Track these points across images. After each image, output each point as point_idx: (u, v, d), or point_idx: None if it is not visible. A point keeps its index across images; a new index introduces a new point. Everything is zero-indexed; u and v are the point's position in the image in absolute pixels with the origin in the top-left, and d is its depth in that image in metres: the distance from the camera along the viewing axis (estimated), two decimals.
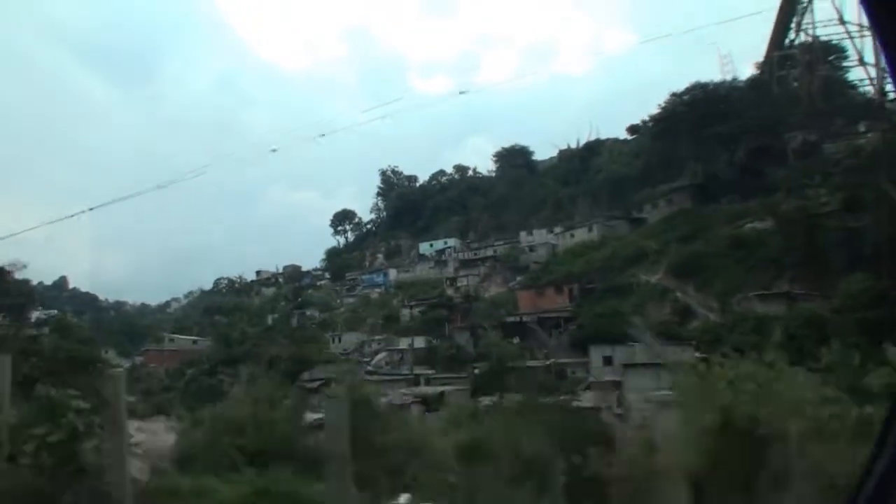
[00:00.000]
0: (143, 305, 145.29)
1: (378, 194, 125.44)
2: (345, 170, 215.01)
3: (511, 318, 67.66)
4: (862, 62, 69.40)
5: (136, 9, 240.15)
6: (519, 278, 79.41)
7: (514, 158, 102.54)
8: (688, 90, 75.40)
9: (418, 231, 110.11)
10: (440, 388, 48.06)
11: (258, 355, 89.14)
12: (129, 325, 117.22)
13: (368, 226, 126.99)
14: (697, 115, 72.15)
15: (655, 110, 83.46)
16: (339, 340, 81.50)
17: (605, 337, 53.06)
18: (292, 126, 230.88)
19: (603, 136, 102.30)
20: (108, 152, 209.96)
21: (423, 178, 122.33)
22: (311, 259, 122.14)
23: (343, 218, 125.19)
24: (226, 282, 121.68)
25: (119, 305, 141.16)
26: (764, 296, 53.74)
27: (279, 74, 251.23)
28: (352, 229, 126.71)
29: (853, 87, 79.05)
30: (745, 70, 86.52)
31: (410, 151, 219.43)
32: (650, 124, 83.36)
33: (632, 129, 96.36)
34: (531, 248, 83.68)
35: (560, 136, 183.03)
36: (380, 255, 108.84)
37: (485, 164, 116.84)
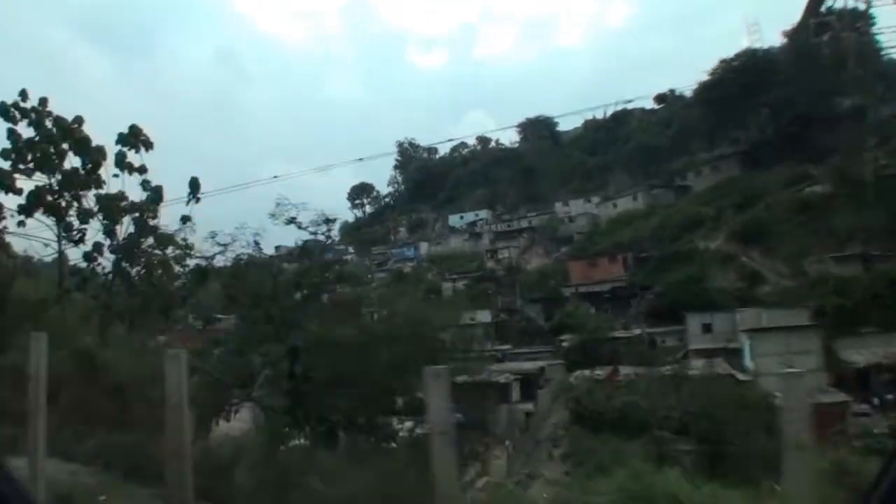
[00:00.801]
0: None
1: (395, 167, 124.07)
2: (342, 144, 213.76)
3: (570, 289, 67.71)
4: None
5: None
6: (563, 249, 79.13)
7: (538, 129, 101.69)
8: (738, 56, 75.14)
9: (441, 204, 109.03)
10: (537, 364, 47.72)
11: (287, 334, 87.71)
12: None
13: (387, 199, 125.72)
14: (746, 81, 72.03)
15: (663, 82, 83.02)
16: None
17: (688, 305, 53.17)
18: (291, 100, 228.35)
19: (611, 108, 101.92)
20: (104, 126, 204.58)
21: (441, 149, 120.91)
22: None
23: (361, 191, 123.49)
24: (245, 257, 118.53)
25: None
26: (838, 258, 54.33)
27: (278, 48, 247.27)
28: (370, 203, 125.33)
29: (882, 52, 79.31)
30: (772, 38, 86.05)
31: (409, 124, 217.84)
32: (699, 90, 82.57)
33: (659, 99, 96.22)
34: (571, 219, 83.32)
35: (561, 110, 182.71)
36: (402, 229, 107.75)
37: (494, 136, 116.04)
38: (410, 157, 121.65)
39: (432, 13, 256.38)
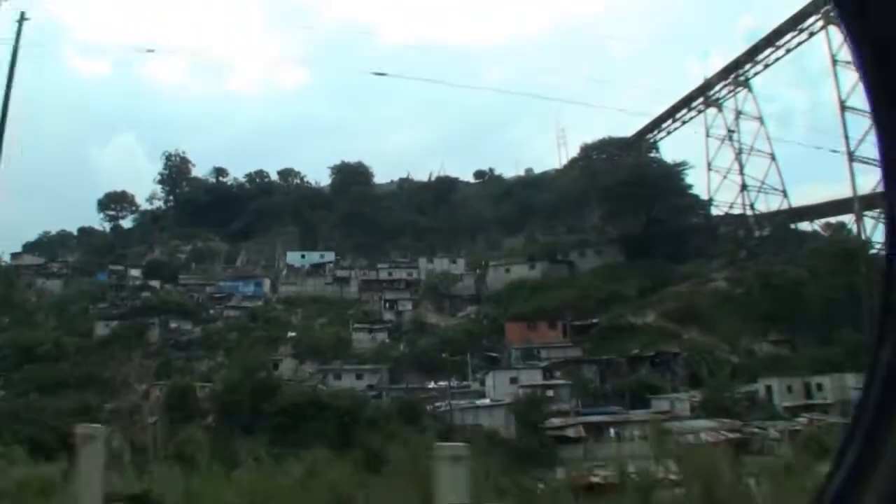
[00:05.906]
0: None
1: (160, 181, 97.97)
2: None
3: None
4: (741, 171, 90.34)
5: None
6: (470, 308, 77.06)
7: (354, 176, 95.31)
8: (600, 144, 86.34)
9: (234, 234, 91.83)
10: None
11: (108, 380, 66.29)
12: None
13: (150, 214, 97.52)
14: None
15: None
16: (276, 368, 65.85)
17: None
18: None
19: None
20: None
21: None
22: None
23: (117, 200, 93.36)
24: None
25: None
26: (775, 341, 68.93)
27: None
28: (129, 216, 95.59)
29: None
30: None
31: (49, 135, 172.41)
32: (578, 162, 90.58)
33: (478, 174, 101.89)
34: (460, 278, 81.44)
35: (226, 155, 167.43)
36: (182, 256, 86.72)
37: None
38: (180, 173, 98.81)
39: (103, 21, 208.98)
